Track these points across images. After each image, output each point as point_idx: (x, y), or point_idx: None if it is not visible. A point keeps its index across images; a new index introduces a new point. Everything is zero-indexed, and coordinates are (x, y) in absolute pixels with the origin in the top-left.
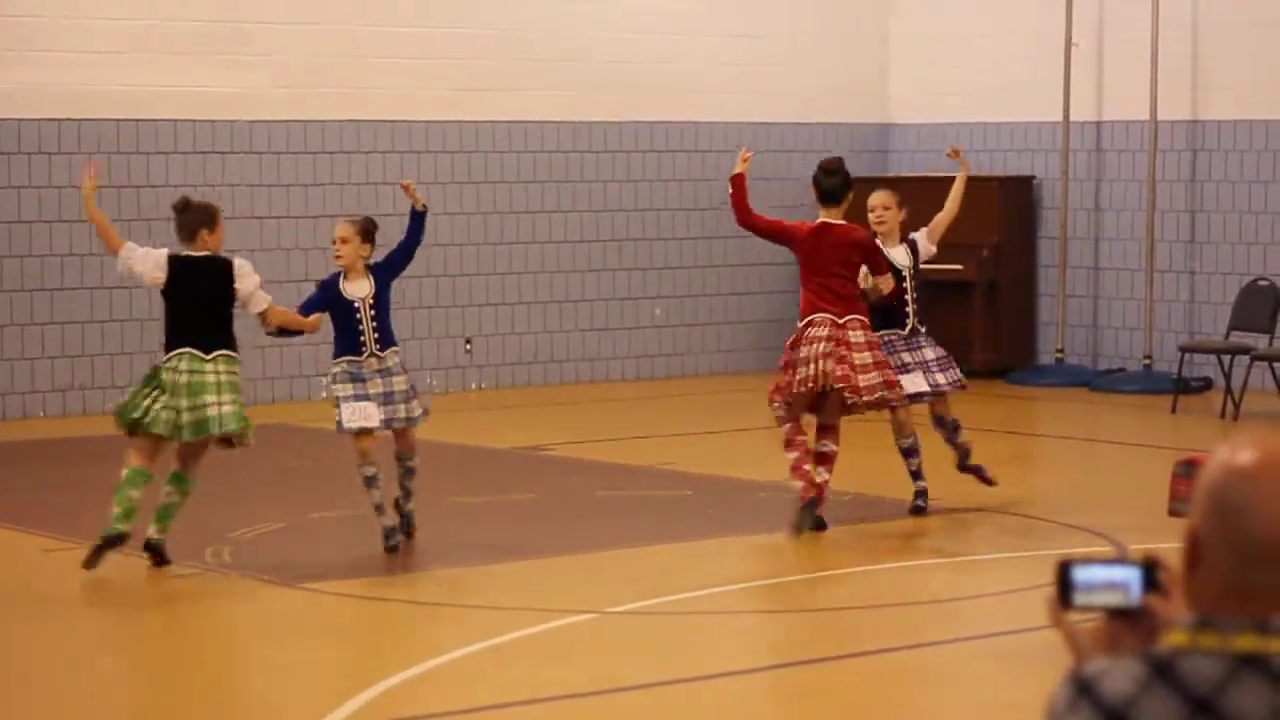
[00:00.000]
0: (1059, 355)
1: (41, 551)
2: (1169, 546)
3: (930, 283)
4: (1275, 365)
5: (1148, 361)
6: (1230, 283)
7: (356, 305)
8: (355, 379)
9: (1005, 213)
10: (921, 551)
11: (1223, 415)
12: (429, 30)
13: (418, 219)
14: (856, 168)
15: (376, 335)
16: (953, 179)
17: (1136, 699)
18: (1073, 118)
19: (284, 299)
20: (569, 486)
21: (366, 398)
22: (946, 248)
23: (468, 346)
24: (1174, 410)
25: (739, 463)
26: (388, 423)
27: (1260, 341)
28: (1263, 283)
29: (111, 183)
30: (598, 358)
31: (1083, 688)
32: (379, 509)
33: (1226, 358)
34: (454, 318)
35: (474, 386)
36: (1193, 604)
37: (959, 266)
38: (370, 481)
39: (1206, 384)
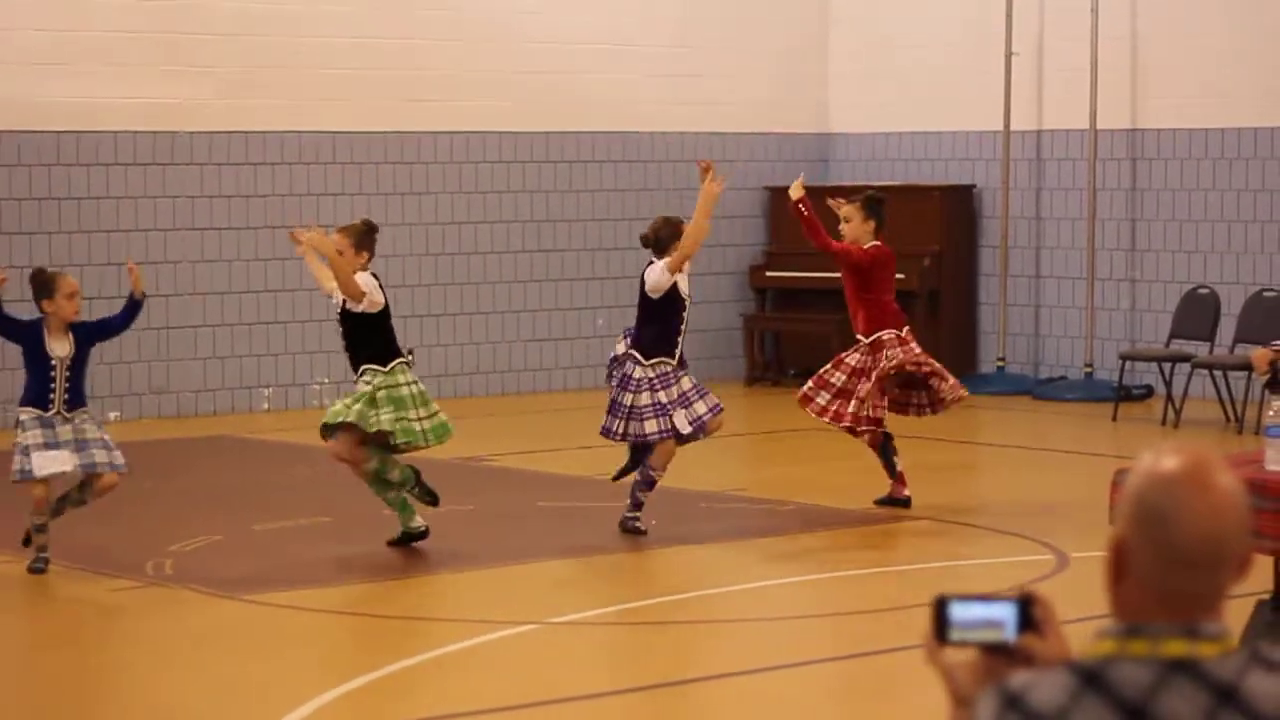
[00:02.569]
0: (1000, 364)
1: None
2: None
3: None
4: (1216, 373)
5: (1089, 370)
6: (1171, 291)
7: (53, 364)
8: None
9: (946, 222)
10: (862, 561)
11: (1164, 423)
12: (369, 41)
13: (133, 306)
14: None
15: (68, 395)
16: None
17: (1068, 709)
18: (1013, 127)
19: (225, 310)
20: (510, 497)
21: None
22: None
23: (409, 357)
24: (1115, 418)
25: (681, 473)
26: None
27: (1201, 349)
28: (1203, 291)
29: (53, 195)
30: (539, 368)
31: (1010, 701)
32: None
33: (1167, 365)
34: (395, 328)
35: None
36: (1119, 612)
37: (900, 276)
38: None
39: (1148, 392)
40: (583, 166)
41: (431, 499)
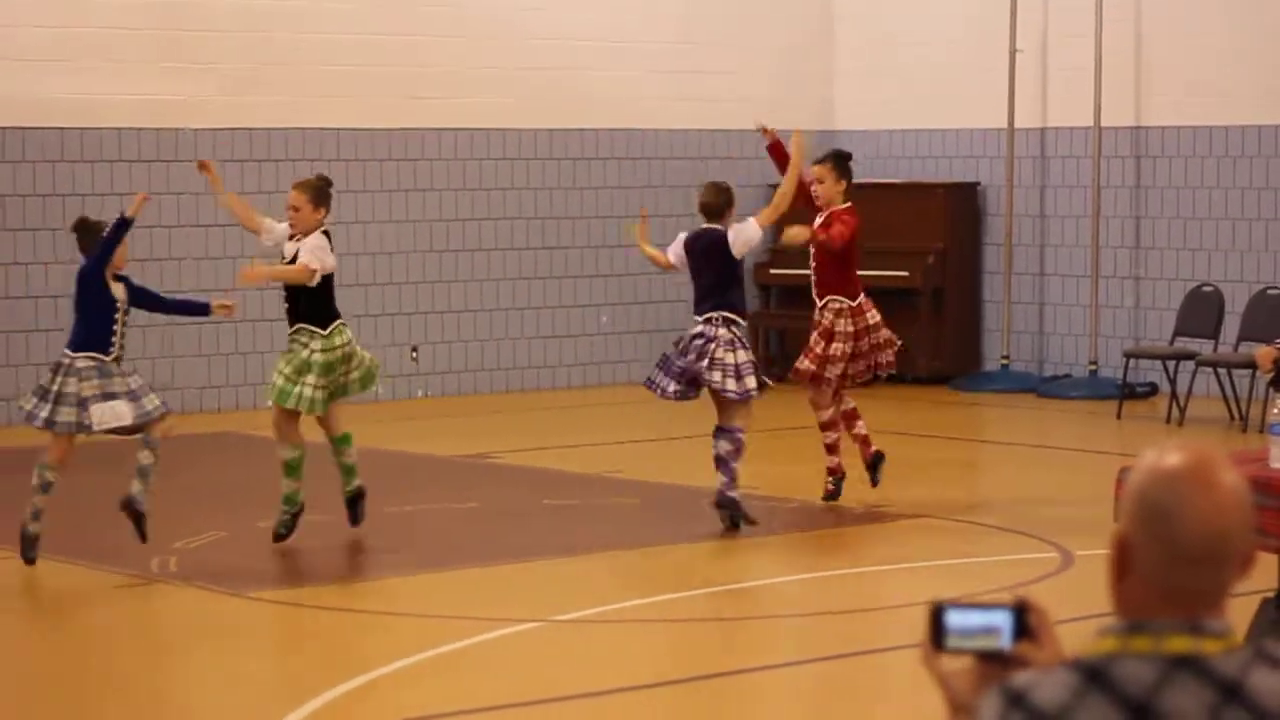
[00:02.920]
0: (1005, 361)
1: None
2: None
3: (875, 289)
4: (1220, 371)
5: (1093, 367)
6: (1175, 288)
7: (118, 305)
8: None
9: (950, 219)
10: (866, 559)
11: (1168, 421)
12: (372, 38)
13: (194, 311)
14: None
15: (123, 341)
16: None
17: (1072, 707)
18: (1017, 124)
19: None
20: (515, 495)
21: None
22: (892, 254)
23: (414, 354)
24: (1119, 416)
25: (685, 470)
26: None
27: (1205, 347)
28: (1207, 288)
29: (55, 191)
30: (544, 365)
31: (1014, 699)
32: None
33: (1171, 363)
34: (400, 325)
35: (420, 394)
36: (1122, 609)
37: (904, 273)
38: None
39: (1152, 389)
40: (585, 163)
41: (282, 534)
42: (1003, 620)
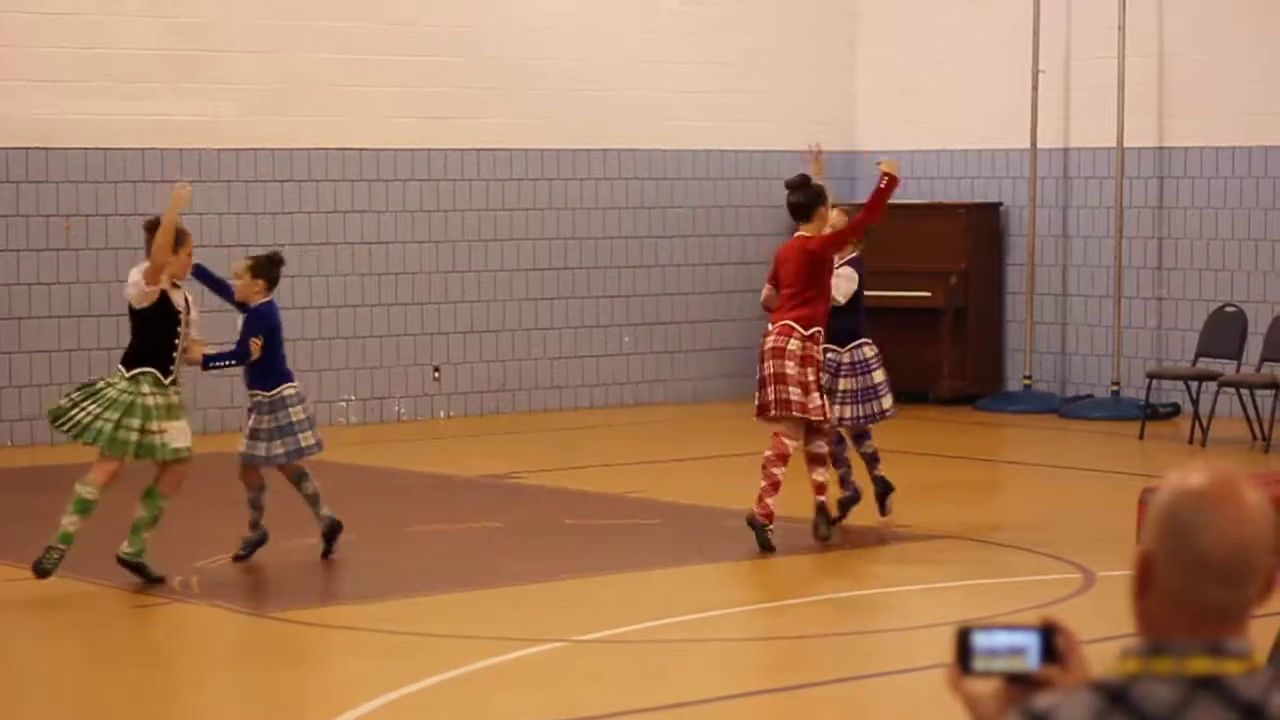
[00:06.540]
0: (1027, 382)
1: (6, 581)
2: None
3: (898, 309)
4: (1242, 391)
5: (1115, 388)
6: (1198, 309)
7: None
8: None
9: (973, 240)
10: (887, 579)
11: (1190, 441)
12: (395, 58)
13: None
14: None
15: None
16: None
17: None
18: (1040, 145)
19: None
20: (537, 515)
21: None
22: (915, 275)
23: (436, 374)
24: (1142, 436)
25: (707, 490)
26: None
27: (1227, 368)
28: (1230, 309)
29: (79, 211)
30: (566, 385)
31: None
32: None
33: (1194, 384)
34: (422, 345)
35: (442, 414)
36: (1144, 627)
37: (926, 293)
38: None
39: (1174, 410)
40: (608, 184)
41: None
42: (1030, 642)
